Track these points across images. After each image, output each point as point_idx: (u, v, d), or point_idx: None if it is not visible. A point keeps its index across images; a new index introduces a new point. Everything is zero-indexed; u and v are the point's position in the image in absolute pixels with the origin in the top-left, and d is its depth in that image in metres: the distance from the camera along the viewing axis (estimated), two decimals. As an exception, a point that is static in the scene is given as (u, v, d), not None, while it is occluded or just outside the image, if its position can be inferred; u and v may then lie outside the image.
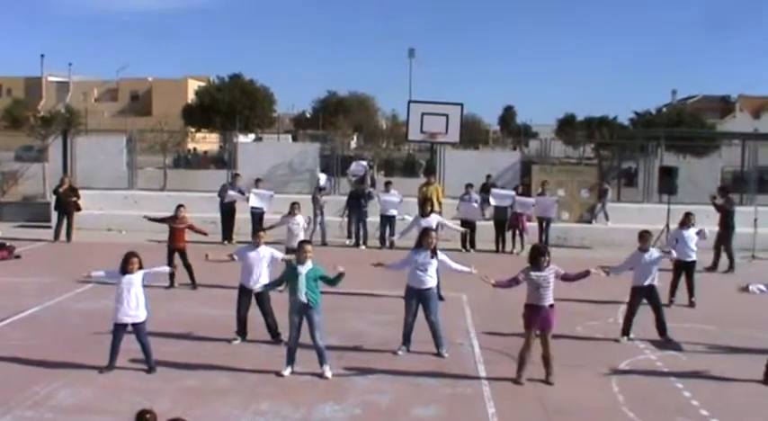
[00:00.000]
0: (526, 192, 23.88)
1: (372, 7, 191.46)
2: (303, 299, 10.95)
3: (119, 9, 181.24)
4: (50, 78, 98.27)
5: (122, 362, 11.26)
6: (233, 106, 63.82)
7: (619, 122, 75.05)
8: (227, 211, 23.69)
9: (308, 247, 11.27)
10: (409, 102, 24.50)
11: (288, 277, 11.17)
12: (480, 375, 11.38)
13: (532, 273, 11.07)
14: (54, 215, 23.91)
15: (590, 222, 26.15)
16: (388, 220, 23.32)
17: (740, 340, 13.48)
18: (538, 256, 11.14)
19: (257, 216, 23.30)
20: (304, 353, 11.75)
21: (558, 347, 12.72)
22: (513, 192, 23.46)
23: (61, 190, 23.66)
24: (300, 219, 17.51)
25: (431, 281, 12.33)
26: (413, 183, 29.43)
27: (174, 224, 17.05)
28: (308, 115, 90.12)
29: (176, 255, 16.97)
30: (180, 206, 17.38)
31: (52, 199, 24.70)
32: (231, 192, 23.89)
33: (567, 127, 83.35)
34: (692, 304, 16.24)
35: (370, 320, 14.24)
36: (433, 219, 17.00)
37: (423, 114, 23.39)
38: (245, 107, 65.06)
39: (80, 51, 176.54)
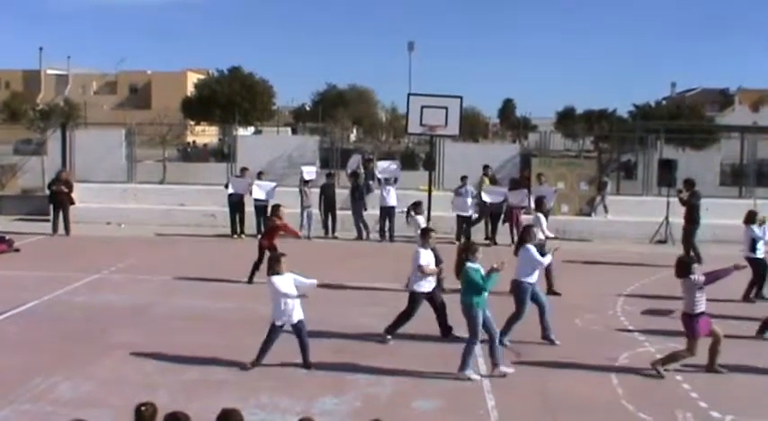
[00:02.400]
0: (525, 185, 23.87)
1: (372, 0, 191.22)
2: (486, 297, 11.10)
3: (118, 2, 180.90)
4: (49, 71, 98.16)
5: (122, 356, 11.27)
6: (232, 99, 63.84)
7: (618, 115, 75.02)
8: (235, 204, 23.62)
9: (479, 247, 11.45)
10: (409, 94, 24.36)
11: (480, 278, 11.08)
12: (480, 368, 11.38)
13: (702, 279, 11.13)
14: (51, 209, 23.85)
15: (589, 215, 26.14)
16: (387, 213, 23.32)
17: (739, 332, 13.46)
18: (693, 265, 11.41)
19: (261, 208, 23.31)
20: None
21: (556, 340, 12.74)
22: (504, 189, 23.51)
23: (54, 187, 23.60)
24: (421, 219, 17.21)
25: None
26: (412, 175, 29.46)
27: (274, 223, 16.80)
28: (308, 108, 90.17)
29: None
30: (278, 206, 17.27)
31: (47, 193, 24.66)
32: (234, 178, 23.98)
33: (567, 120, 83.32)
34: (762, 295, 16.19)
35: (369, 313, 14.22)
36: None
37: (422, 107, 23.28)
38: (245, 100, 65.09)
39: (79, 44, 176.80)
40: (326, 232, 23.90)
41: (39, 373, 10.62)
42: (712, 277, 11.15)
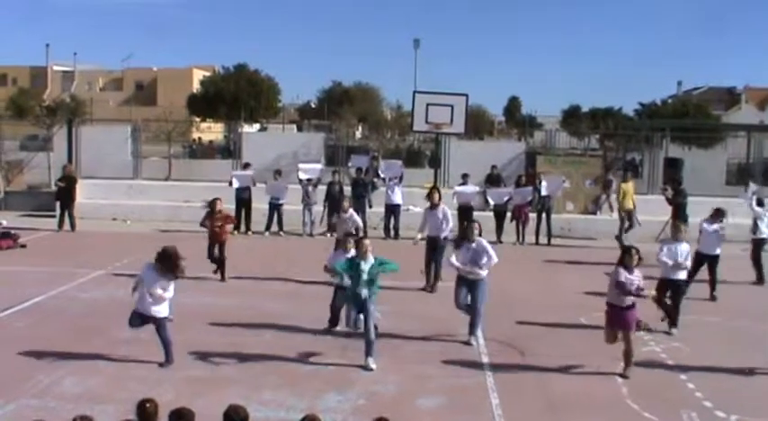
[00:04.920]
0: (530, 183, 23.88)
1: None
2: (365, 292, 11.07)
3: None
4: (55, 68, 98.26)
5: (127, 352, 11.28)
6: (238, 96, 63.82)
7: (624, 113, 74.94)
8: (241, 201, 23.58)
9: (366, 242, 11.35)
10: (414, 92, 24.44)
11: (349, 271, 11.22)
12: (484, 366, 11.39)
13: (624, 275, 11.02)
14: (57, 205, 23.90)
15: (594, 213, 26.13)
16: (392, 211, 23.31)
17: (744, 331, 13.47)
18: (631, 258, 11.11)
19: (275, 207, 23.40)
20: (306, 341, 11.76)
21: (561, 339, 12.76)
22: (508, 190, 23.48)
23: (58, 183, 23.66)
24: (351, 214, 17.18)
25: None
26: (418, 173, 29.47)
27: (213, 221, 16.69)
28: (313, 105, 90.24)
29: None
30: (216, 199, 17.07)
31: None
32: (237, 173, 24.08)
33: (573, 118, 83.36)
34: (713, 298, 16.03)
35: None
36: None
37: (428, 105, 23.33)
38: (250, 97, 65.06)
39: (85, 41, 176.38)
40: (329, 230, 23.90)
41: (44, 368, 10.66)
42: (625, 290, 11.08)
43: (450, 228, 16.30)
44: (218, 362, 11.19)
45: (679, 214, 20.31)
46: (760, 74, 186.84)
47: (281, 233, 23.38)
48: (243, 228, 23.48)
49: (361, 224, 17.70)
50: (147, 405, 6.54)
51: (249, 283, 16.52)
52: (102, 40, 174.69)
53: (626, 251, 11.31)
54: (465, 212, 22.95)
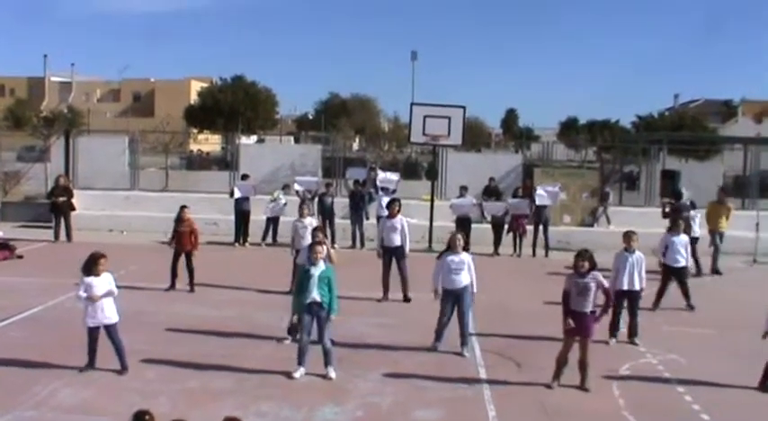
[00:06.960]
0: (527, 195, 23.90)
1: (375, 9, 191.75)
2: (316, 298, 10.99)
3: (122, 10, 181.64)
4: (53, 78, 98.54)
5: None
6: (235, 107, 63.97)
7: (621, 126, 75.26)
8: (241, 213, 23.66)
9: (319, 248, 11.31)
10: (411, 104, 24.37)
11: (300, 278, 11.22)
12: (481, 378, 11.38)
13: (574, 279, 11.02)
14: (53, 216, 23.85)
15: (591, 226, 26.16)
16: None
17: (741, 344, 13.45)
18: (578, 262, 11.13)
19: (273, 219, 23.48)
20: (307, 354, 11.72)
21: (558, 351, 12.72)
22: (503, 204, 23.50)
23: (53, 199, 23.56)
24: (309, 221, 17.23)
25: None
26: (415, 185, 29.49)
27: (179, 227, 16.84)
28: (311, 117, 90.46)
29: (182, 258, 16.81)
30: (183, 207, 17.15)
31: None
32: (239, 183, 24.25)
33: (570, 130, 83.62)
34: (690, 307, 16.10)
35: (369, 323, 14.22)
36: None
37: (425, 117, 23.29)
38: (248, 108, 65.23)
39: (83, 52, 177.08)
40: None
41: (40, 380, 10.62)
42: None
43: (408, 240, 16.58)
44: (215, 373, 11.16)
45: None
46: (757, 87, 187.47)
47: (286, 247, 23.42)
48: (241, 240, 23.55)
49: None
50: (146, 417, 6.51)
51: (245, 294, 16.52)
52: (99, 52, 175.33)
53: (576, 255, 11.34)
54: (462, 224, 22.97)
